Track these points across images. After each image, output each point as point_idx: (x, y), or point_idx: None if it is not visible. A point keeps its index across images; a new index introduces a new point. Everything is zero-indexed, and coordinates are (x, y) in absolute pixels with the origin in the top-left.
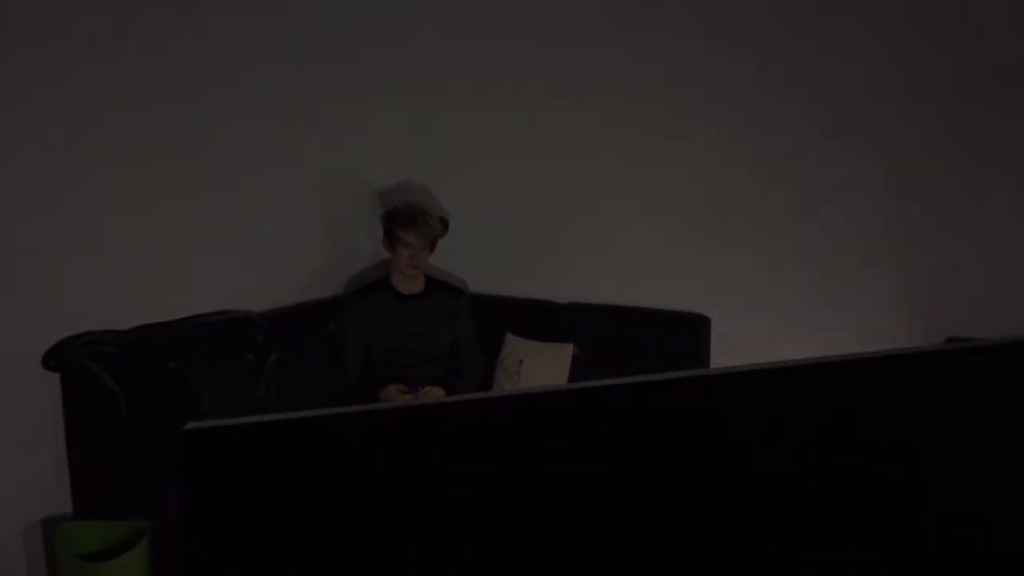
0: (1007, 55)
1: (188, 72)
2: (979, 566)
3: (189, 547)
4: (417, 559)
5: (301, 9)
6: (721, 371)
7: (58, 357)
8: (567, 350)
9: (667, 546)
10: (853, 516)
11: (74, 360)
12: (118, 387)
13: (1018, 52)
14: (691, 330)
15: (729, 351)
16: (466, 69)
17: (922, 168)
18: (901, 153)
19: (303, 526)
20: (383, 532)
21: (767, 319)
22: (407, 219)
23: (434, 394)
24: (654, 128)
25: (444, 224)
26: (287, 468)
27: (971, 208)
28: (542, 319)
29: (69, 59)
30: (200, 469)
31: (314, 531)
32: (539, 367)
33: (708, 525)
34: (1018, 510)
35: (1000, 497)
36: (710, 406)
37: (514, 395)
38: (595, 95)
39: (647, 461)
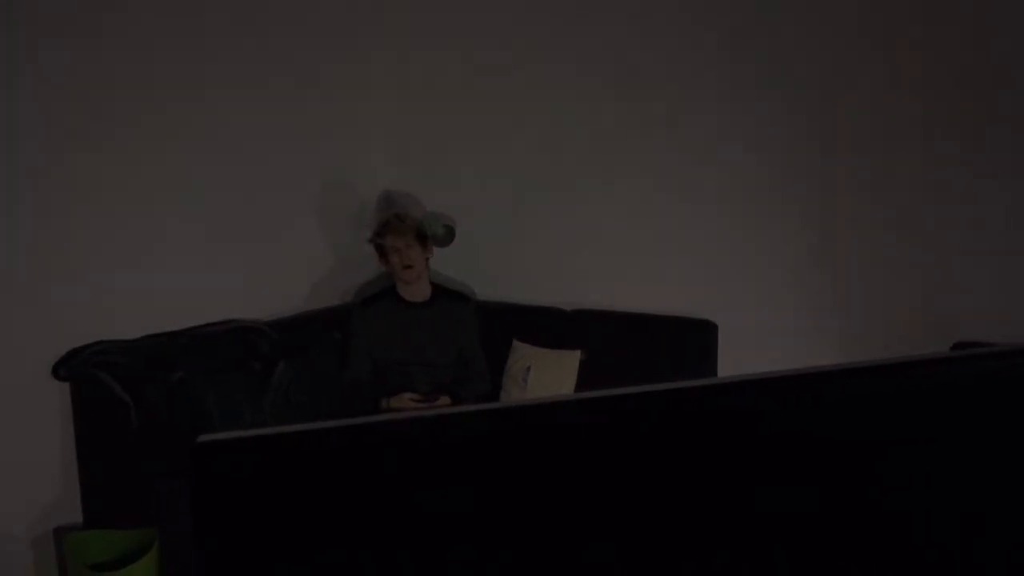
0: (1012, 51)
1: (194, 80)
2: (986, 572)
3: (200, 560)
4: (430, 571)
5: (302, 15)
6: (727, 380)
7: (67, 367)
8: (574, 357)
9: (673, 554)
10: (859, 524)
11: (83, 370)
12: (127, 396)
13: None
14: (698, 336)
15: (736, 357)
16: (469, 75)
17: (927, 168)
18: (907, 154)
19: (315, 538)
20: (397, 544)
21: (774, 325)
22: (382, 226)
23: (442, 404)
24: (661, 134)
25: (450, 232)
26: (299, 480)
27: (977, 209)
28: (549, 326)
29: (72, 63)
30: (212, 481)
31: (326, 543)
32: (546, 374)
33: (716, 534)
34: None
35: (1007, 506)
36: (718, 415)
37: (527, 405)
38: (601, 101)
39: (655, 471)
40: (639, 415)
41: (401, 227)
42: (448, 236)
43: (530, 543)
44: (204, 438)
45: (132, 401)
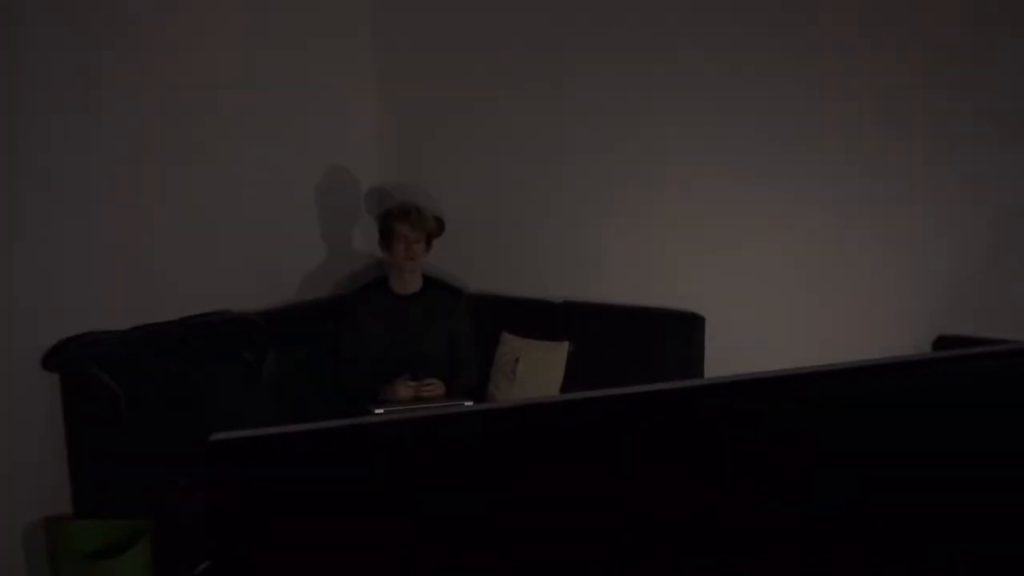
0: (1012, 51)
1: (187, 72)
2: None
3: (213, 558)
4: (433, 570)
5: (300, 9)
6: (712, 381)
7: (57, 357)
8: (562, 348)
9: (671, 555)
10: (853, 525)
11: (73, 360)
12: (117, 387)
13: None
14: (685, 329)
15: (723, 350)
16: (464, 70)
17: (913, 165)
18: (891, 152)
19: (328, 536)
20: (412, 543)
21: (761, 318)
22: (401, 211)
23: (436, 386)
24: (648, 128)
25: (440, 224)
26: (312, 478)
27: (963, 208)
28: (538, 318)
29: (69, 58)
30: (226, 479)
31: (339, 541)
32: (535, 365)
33: (714, 535)
34: (1015, 520)
35: (1005, 507)
36: (717, 415)
37: (538, 403)
38: (589, 96)
39: (653, 471)
40: (636, 415)
41: (420, 220)
42: (439, 228)
43: (539, 543)
44: (217, 436)
45: (122, 391)
